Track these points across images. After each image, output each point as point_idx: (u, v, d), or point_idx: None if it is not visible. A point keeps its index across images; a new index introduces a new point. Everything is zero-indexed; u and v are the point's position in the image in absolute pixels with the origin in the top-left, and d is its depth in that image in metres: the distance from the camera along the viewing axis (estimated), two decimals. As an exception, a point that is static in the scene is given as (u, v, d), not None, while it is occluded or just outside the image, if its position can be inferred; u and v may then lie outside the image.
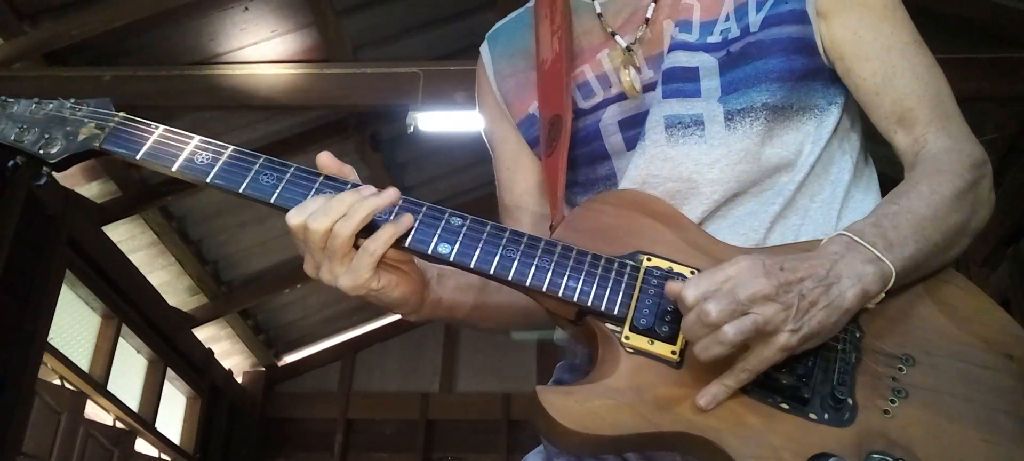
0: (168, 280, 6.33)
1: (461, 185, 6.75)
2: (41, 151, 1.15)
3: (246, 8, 4.52)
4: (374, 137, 5.98)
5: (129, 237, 5.77)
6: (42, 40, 4.31)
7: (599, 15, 1.30)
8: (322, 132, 5.78)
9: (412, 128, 4.54)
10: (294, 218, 1.03)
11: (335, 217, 1.02)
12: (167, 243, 5.94)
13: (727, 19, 1.22)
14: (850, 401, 0.97)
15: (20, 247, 4.45)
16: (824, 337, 0.97)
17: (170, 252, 6.04)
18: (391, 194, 1.06)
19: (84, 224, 5.14)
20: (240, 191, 1.09)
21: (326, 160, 1.11)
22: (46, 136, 1.16)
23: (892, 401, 0.98)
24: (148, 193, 5.45)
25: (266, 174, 1.10)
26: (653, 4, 1.26)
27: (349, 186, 1.08)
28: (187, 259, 6.17)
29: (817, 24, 1.18)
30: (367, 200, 1.04)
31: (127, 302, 5.68)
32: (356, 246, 1.05)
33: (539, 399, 0.96)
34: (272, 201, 1.08)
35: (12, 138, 1.16)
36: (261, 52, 4.76)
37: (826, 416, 0.97)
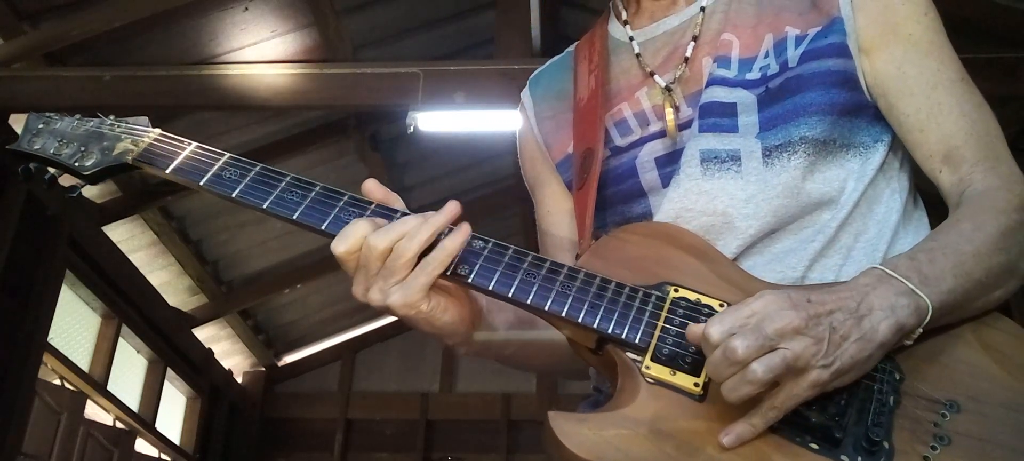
0: (168, 280, 6.33)
1: (461, 185, 6.75)
2: (77, 164, 1.21)
3: (246, 8, 4.52)
4: (374, 137, 5.98)
5: (129, 237, 5.77)
6: (42, 40, 4.31)
7: (638, 55, 1.29)
8: (322, 132, 5.78)
9: (412, 128, 4.53)
10: (344, 242, 1.03)
11: (396, 236, 1.02)
12: (167, 243, 5.94)
13: (767, 56, 1.19)
14: (886, 445, 0.91)
15: (20, 247, 4.45)
16: (857, 373, 0.92)
17: (170, 252, 6.03)
18: (452, 208, 1.05)
19: (84, 224, 5.14)
20: (264, 208, 1.10)
21: (372, 186, 1.11)
22: (83, 150, 1.22)
23: (933, 448, 0.92)
24: (148, 193, 5.45)
25: (291, 192, 1.11)
26: (693, 43, 1.24)
27: (398, 214, 1.09)
28: (187, 259, 6.17)
29: (859, 60, 1.15)
30: (430, 221, 1.04)
31: (127, 302, 5.68)
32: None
33: (550, 425, 0.92)
34: (295, 218, 1.09)
35: (51, 152, 1.23)
36: (261, 52, 4.76)
37: (859, 459, 0.91)
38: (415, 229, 1.02)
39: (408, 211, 1.10)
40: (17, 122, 4.43)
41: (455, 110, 4.42)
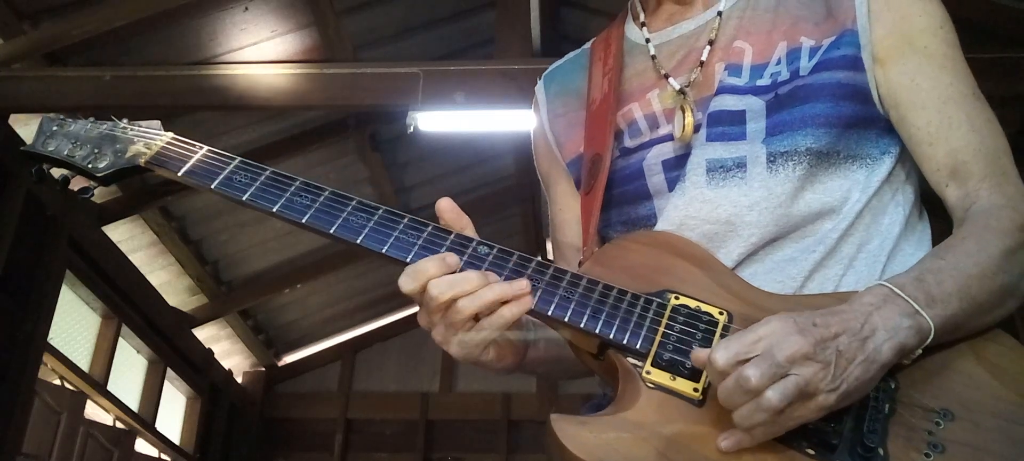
0: (168, 280, 6.33)
1: (461, 185, 6.74)
2: (90, 166, 1.23)
3: (246, 8, 4.52)
4: (374, 137, 5.97)
5: (129, 237, 5.77)
6: (42, 40, 4.31)
7: (653, 57, 1.29)
8: (322, 132, 5.77)
9: (412, 128, 4.53)
10: (412, 282, 1.03)
11: (458, 293, 1.02)
12: (167, 243, 5.94)
13: (778, 62, 1.19)
14: (881, 451, 0.93)
15: (20, 247, 4.45)
16: (861, 393, 0.93)
17: (170, 252, 6.03)
18: (522, 285, 1.04)
19: (84, 224, 5.14)
20: (274, 211, 1.13)
21: (445, 205, 1.12)
22: (96, 151, 1.24)
23: (927, 455, 0.93)
24: (148, 193, 5.45)
25: (300, 196, 1.14)
26: (709, 47, 1.24)
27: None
28: (187, 259, 6.16)
29: (873, 71, 1.15)
30: (496, 289, 1.03)
31: (127, 302, 5.68)
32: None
33: (553, 427, 0.94)
34: (303, 221, 1.12)
35: (65, 154, 1.25)
36: (261, 52, 4.76)
37: None
38: (478, 290, 1.02)
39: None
40: (17, 122, 4.43)
41: (455, 110, 4.42)
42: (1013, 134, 4.61)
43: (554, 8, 5.35)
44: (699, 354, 0.94)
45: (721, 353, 0.89)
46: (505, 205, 7.17)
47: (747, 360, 0.88)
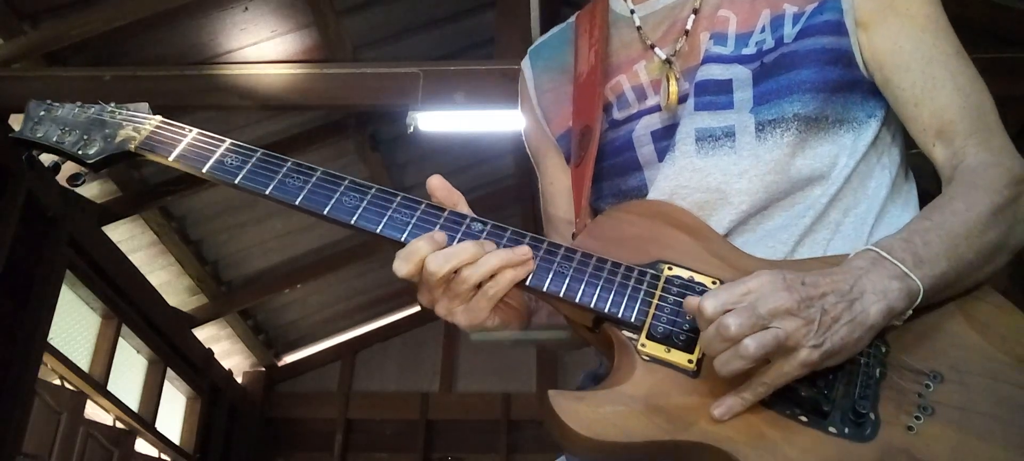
0: (168, 280, 6.33)
1: (461, 185, 6.63)
2: (80, 152, 1.21)
3: (246, 8, 4.52)
4: (374, 137, 5.98)
5: (129, 237, 5.77)
6: (42, 40, 4.31)
7: (638, 28, 1.30)
8: (322, 132, 5.78)
9: (412, 128, 4.53)
10: (406, 264, 1.04)
11: (456, 265, 1.03)
12: (167, 243, 5.94)
13: (763, 31, 1.20)
14: (872, 416, 0.94)
15: (20, 247, 4.45)
16: (848, 354, 0.94)
17: (170, 252, 6.03)
18: (523, 252, 1.05)
19: (84, 224, 5.14)
20: (267, 193, 1.11)
21: (436, 183, 1.13)
22: (85, 137, 1.22)
23: (917, 418, 0.95)
24: (148, 193, 5.45)
25: (292, 177, 1.12)
26: (693, 16, 1.24)
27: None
28: (187, 259, 6.16)
29: (856, 34, 1.15)
30: (497, 255, 1.04)
31: (127, 302, 5.68)
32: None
33: (550, 402, 0.96)
34: (297, 203, 1.11)
35: (54, 140, 1.23)
36: (261, 52, 4.76)
37: (846, 430, 0.94)
38: (478, 259, 1.03)
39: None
40: (17, 122, 4.43)
41: (455, 110, 4.42)
42: (1013, 135, 4.59)
43: (554, 8, 5.35)
44: (691, 301, 0.96)
45: (709, 301, 0.92)
46: (505, 205, 7.17)
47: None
